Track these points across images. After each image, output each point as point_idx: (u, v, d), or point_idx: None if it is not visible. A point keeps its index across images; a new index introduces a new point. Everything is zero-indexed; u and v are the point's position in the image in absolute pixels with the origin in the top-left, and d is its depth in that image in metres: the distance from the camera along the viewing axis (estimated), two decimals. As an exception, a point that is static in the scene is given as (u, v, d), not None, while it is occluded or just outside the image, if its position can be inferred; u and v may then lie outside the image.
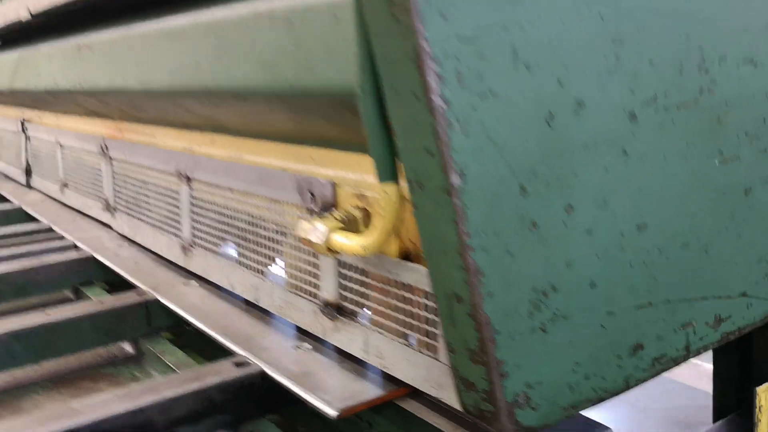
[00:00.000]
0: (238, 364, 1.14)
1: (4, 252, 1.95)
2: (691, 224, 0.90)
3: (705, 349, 0.95)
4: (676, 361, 0.92)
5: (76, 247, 2.05)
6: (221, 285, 1.50)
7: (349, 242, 0.89)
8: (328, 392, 1.03)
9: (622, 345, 0.86)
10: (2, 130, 3.47)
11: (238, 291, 1.44)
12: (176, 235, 1.68)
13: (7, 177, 3.51)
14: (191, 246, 1.61)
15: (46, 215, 2.49)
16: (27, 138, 3.09)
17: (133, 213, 1.96)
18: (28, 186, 3.12)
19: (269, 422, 1.14)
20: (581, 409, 0.85)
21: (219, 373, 1.10)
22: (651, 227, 0.86)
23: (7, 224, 2.44)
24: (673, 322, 0.91)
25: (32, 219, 2.54)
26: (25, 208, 2.71)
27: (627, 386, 0.88)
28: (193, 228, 1.59)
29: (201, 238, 1.57)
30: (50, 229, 2.32)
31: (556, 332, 0.80)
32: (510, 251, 0.74)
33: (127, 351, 1.59)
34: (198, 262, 1.59)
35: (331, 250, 0.93)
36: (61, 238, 2.18)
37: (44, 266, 1.85)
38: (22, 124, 3.11)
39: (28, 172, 3.14)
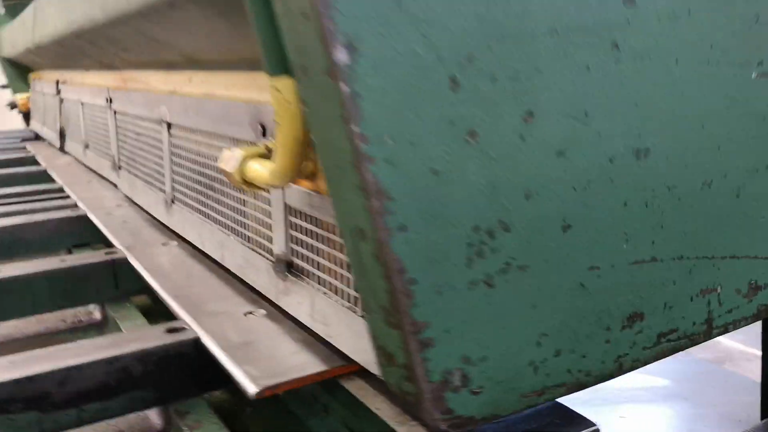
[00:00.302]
0: (171, 330, 0.95)
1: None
2: (715, 156, 0.67)
3: (735, 325, 0.72)
4: (693, 340, 0.69)
5: (75, 206, 1.90)
6: (195, 243, 1.32)
7: (261, 169, 0.69)
8: (260, 366, 0.83)
9: (612, 313, 0.64)
10: (46, 94, 3.40)
11: (207, 250, 1.25)
12: (161, 190, 1.51)
13: (50, 144, 3.44)
14: (172, 201, 1.43)
15: (63, 177, 2.37)
16: (61, 100, 2.99)
17: (131, 170, 1.80)
18: (62, 149, 3.03)
19: (204, 402, 0.95)
20: (551, 397, 0.63)
21: (142, 339, 0.91)
22: (656, 155, 0.63)
23: (25, 185, 2.33)
24: (689, 287, 0.68)
25: (52, 181, 2.43)
26: (49, 171, 2.60)
27: (620, 369, 0.65)
28: (173, 181, 1.42)
29: (179, 192, 1.39)
30: (61, 189, 2.19)
31: (510, 289, 0.58)
32: (433, 168, 0.52)
33: (94, 317, 1.43)
34: (177, 219, 1.42)
35: (247, 183, 0.72)
36: (66, 197, 2.04)
37: (32, 224, 1.70)
38: (57, 85, 3.02)
39: (62, 135, 3.04)
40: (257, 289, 1.04)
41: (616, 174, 0.61)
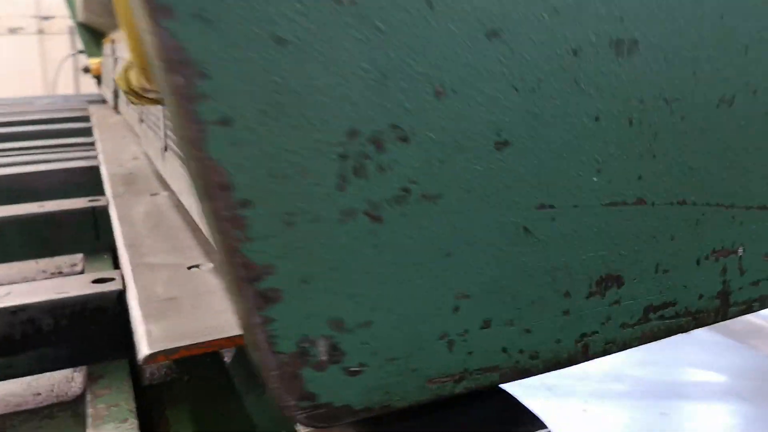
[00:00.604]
0: (98, 281, 0.80)
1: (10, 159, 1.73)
2: (740, 62, 0.47)
3: (764, 302, 0.52)
4: (700, 319, 0.50)
5: (95, 158, 1.80)
6: (175, 192, 1.18)
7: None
8: (170, 325, 0.68)
9: (573, 273, 0.45)
10: (108, 56, 3.35)
11: (183, 199, 1.11)
12: (160, 138, 1.38)
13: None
14: (165, 149, 1.30)
15: (102, 133, 2.28)
16: (115, 60, 2.92)
17: (147, 120, 1.68)
18: (116, 109, 2.97)
19: (125, 366, 0.80)
20: (476, 385, 0.45)
21: (58, 289, 0.77)
22: (647, 52, 0.44)
23: (64, 138, 2.26)
24: (694, 245, 0.48)
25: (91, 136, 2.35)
26: (94, 128, 2.53)
27: (586, 352, 0.47)
28: (166, 126, 1.28)
29: (171, 138, 1.25)
30: (92, 144, 2.10)
31: (410, 226, 0.40)
32: (277, 35, 0.35)
33: (77, 268, 1.31)
34: (168, 168, 1.28)
35: (133, 92, 0.56)
36: (92, 150, 1.95)
37: (41, 173, 1.60)
38: (112, 45, 2.95)
39: (116, 94, 2.98)
40: (210, 240, 0.89)
41: (582, 73, 0.42)
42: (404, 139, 0.39)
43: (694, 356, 1.69)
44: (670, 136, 0.46)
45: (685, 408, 1.48)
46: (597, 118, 0.43)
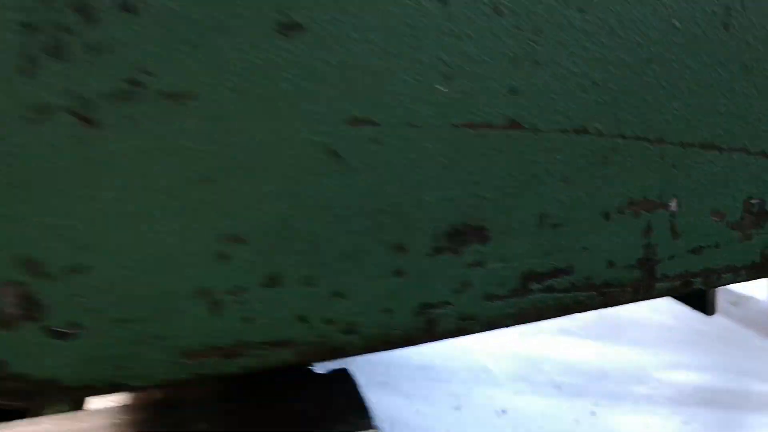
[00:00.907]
0: None
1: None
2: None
3: (710, 279, 0.38)
4: (609, 295, 0.36)
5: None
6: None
7: None
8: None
9: (407, 219, 0.32)
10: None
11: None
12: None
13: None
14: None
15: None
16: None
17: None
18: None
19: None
20: (257, 365, 0.33)
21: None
22: None
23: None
24: (599, 191, 0.35)
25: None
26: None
27: (431, 329, 0.34)
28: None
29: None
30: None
31: (143, 134, 0.29)
32: None
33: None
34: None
35: None
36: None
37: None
38: None
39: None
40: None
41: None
42: (130, 9, 0.27)
43: (742, 363, 1.48)
44: (561, 34, 0.32)
45: (713, 418, 1.29)
46: (443, 0, 0.30)
